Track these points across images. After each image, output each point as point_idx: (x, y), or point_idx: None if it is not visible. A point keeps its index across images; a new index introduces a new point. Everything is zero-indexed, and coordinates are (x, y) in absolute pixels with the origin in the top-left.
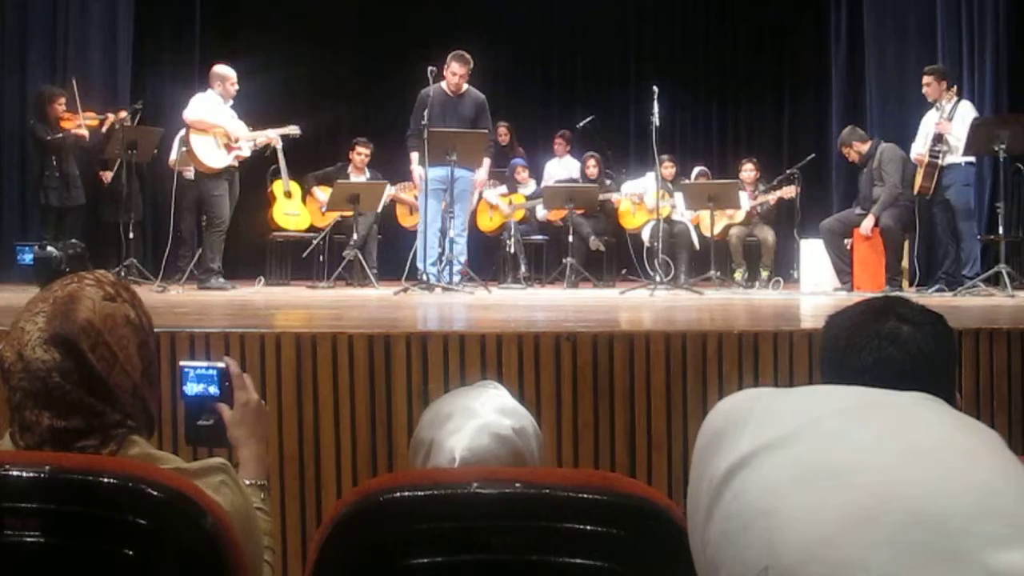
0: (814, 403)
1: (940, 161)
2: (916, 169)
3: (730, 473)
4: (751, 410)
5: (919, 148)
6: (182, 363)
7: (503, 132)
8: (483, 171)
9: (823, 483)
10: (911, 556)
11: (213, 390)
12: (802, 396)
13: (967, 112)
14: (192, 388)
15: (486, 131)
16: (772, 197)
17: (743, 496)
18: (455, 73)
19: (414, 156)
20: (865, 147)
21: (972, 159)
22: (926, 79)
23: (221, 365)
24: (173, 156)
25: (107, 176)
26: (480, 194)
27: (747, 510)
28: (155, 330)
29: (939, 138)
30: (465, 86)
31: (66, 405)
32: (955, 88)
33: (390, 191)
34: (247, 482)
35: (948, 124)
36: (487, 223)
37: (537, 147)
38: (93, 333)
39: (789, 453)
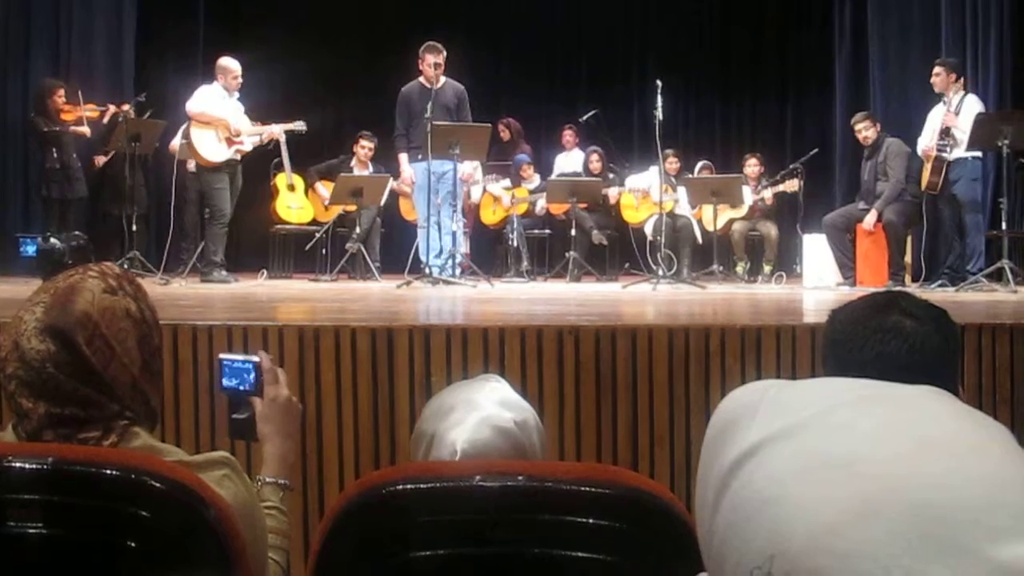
0: (823, 394)
1: (947, 155)
2: (922, 164)
3: (737, 463)
4: (760, 401)
5: (925, 142)
6: (221, 356)
7: (502, 128)
8: (468, 165)
9: (831, 473)
10: (918, 548)
11: (248, 384)
12: (811, 387)
13: (973, 106)
14: (228, 381)
15: (489, 125)
16: (774, 192)
17: (750, 486)
18: (431, 64)
19: (403, 157)
20: (872, 132)
21: (979, 153)
22: (936, 70)
23: (256, 359)
24: (175, 142)
25: (100, 160)
26: (484, 188)
27: (754, 499)
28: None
29: (946, 132)
30: (443, 78)
31: (60, 395)
32: (962, 81)
33: (392, 185)
34: (268, 479)
35: (955, 117)
36: (490, 217)
37: (540, 141)
38: (90, 325)
39: (797, 443)
